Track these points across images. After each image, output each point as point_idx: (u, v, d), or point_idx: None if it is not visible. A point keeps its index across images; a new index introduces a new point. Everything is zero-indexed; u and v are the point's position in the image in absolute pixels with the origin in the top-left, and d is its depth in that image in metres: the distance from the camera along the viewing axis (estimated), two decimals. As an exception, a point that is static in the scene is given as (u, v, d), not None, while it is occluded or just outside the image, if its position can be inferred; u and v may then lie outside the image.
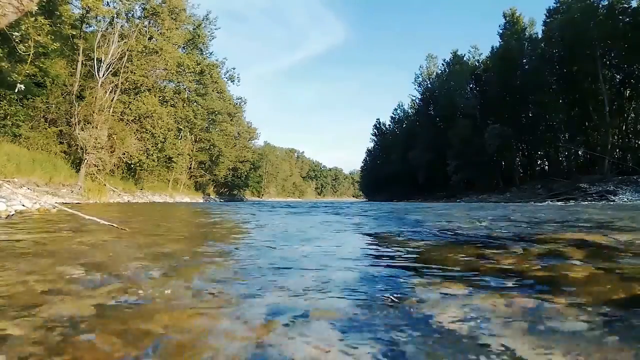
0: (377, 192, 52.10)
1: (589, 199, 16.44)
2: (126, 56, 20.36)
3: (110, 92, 19.71)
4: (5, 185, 7.34)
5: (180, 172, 29.08)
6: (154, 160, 23.06)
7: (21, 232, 3.15)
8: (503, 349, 0.79)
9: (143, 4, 22.96)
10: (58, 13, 16.28)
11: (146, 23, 23.69)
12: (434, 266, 1.70)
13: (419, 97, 46.02)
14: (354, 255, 2.08)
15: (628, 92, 24.95)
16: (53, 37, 14.31)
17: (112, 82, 19.89)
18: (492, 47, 32.88)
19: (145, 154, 21.99)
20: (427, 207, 10.94)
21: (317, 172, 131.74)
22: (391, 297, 1.18)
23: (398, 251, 2.22)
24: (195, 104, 31.11)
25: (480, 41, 55.28)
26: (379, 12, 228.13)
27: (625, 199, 15.12)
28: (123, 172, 21.78)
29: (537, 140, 29.31)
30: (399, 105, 59.38)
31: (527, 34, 30.96)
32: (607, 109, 23.03)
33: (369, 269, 1.66)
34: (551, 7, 28.16)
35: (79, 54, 18.83)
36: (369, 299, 1.16)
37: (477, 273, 1.53)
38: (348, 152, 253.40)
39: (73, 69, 18.96)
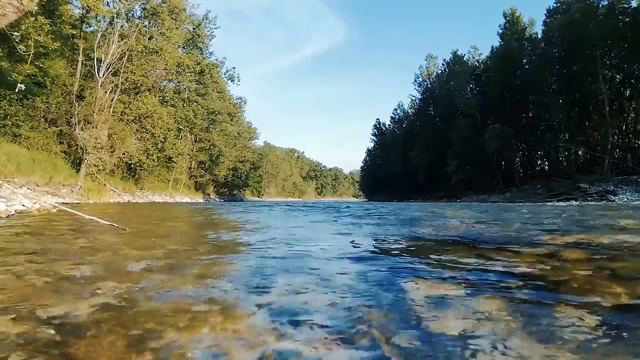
0: (377, 192, 52.10)
1: (589, 199, 16.44)
2: (126, 56, 20.36)
3: (110, 92, 19.71)
4: (5, 185, 7.34)
5: (180, 172, 29.07)
6: (154, 160, 23.05)
7: (21, 231, 3.15)
8: (503, 350, 0.79)
9: (143, 4, 22.97)
10: (58, 13, 16.30)
11: (146, 23, 23.70)
12: (430, 266, 1.70)
13: (419, 97, 46.07)
14: (350, 253, 2.08)
15: (628, 92, 24.97)
16: (53, 37, 14.33)
17: (112, 82, 19.89)
18: (492, 47, 32.93)
19: (145, 154, 21.98)
20: (428, 209, 10.94)
21: (317, 172, 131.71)
22: (387, 294, 1.18)
23: (393, 249, 2.22)
24: (195, 103, 31.10)
25: (480, 41, 55.38)
26: (380, 13, 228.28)
27: (625, 199, 15.12)
28: (123, 172, 21.77)
29: (537, 140, 29.32)
30: (399, 105, 59.46)
31: (527, 34, 30.96)
32: (607, 109, 23.04)
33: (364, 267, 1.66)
34: (551, 7, 28.20)
35: (79, 54, 18.84)
36: (366, 297, 1.16)
37: (474, 273, 1.52)
38: (348, 152, 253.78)
39: (73, 69, 18.96)
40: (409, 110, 51.16)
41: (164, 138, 23.66)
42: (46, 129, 16.85)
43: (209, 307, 1.07)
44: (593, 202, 14.81)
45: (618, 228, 3.53)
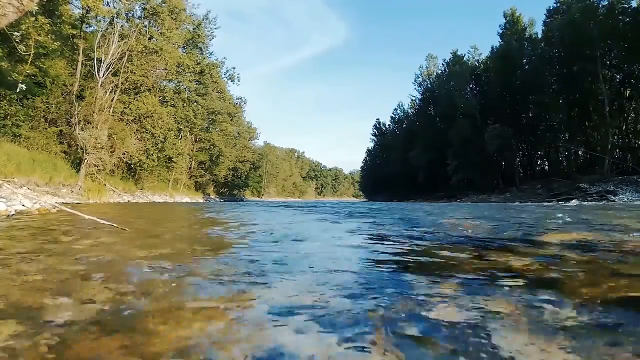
0: (377, 192, 52.12)
1: (589, 199, 16.44)
2: (126, 56, 20.36)
3: (110, 92, 19.70)
4: (5, 185, 7.34)
5: (180, 172, 29.06)
6: (154, 160, 23.04)
7: (21, 232, 3.15)
8: (502, 349, 0.79)
9: (143, 4, 22.96)
10: (58, 13, 16.27)
11: (146, 23, 23.69)
12: (429, 266, 1.70)
13: (419, 97, 46.11)
14: (350, 253, 2.08)
15: (628, 92, 24.98)
16: (53, 37, 14.32)
17: (112, 82, 19.88)
18: (492, 47, 32.95)
19: (145, 154, 21.97)
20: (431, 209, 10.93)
21: (317, 172, 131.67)
22: (388, 294, 1.18)
23: (393, 249, 2.22)
24: (195, 103, 31.09)
25: (480, 41, 55.42)
26: (380, 12, 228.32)
27: (625, 199, 15.13)
28: (123, 172, 21.77)
29: (537, 140, 29.32)
30: (399, 105, 59.41)
31: (527, 34, 30.96)
32: (607, 109, 23.04)
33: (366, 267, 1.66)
34: (551, 7, 28.22)
35: (79, 54, 18.83)
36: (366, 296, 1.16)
37: (474, 273, 1.52)
38: (348, 152, 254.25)
39: (73, 69, 18.95)
40: (409, 110, 51.21)
41: (164, 138, 23.66)
42: (46, 129, 16.84)
43: (209, 306, 1.07)
44: (593, 202, 14.81)
45: (617, 227, 3.53)
